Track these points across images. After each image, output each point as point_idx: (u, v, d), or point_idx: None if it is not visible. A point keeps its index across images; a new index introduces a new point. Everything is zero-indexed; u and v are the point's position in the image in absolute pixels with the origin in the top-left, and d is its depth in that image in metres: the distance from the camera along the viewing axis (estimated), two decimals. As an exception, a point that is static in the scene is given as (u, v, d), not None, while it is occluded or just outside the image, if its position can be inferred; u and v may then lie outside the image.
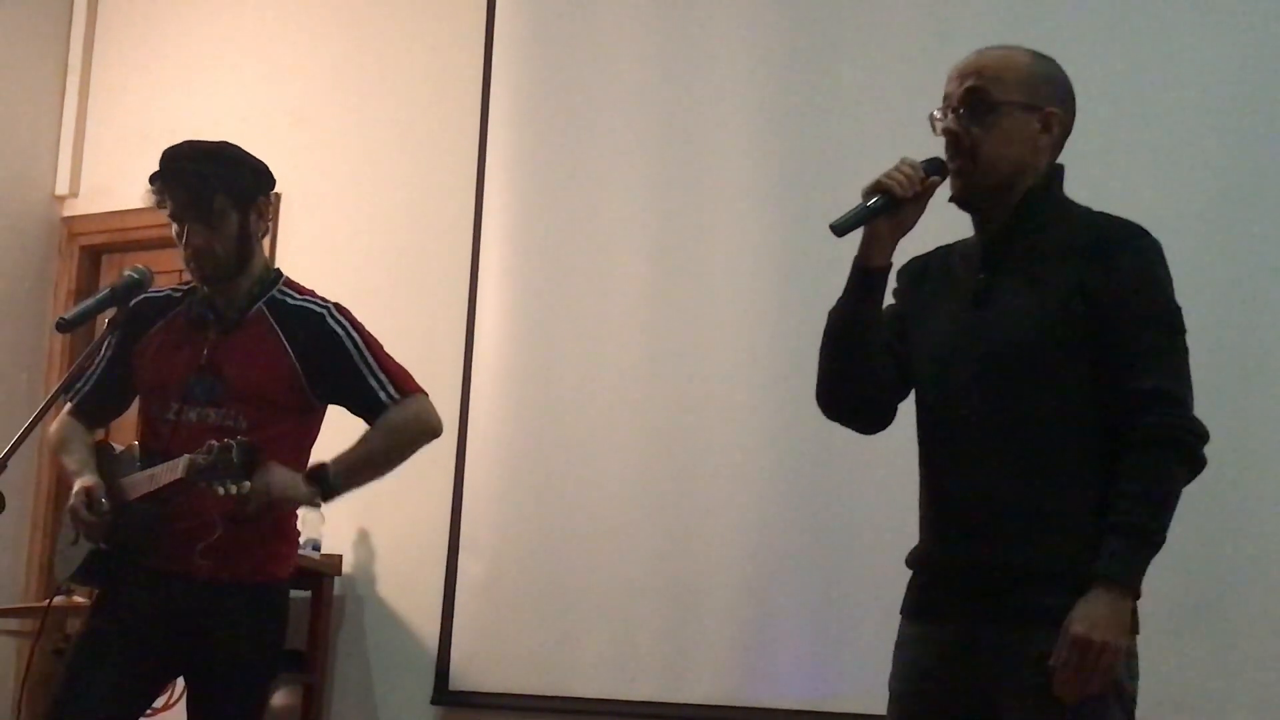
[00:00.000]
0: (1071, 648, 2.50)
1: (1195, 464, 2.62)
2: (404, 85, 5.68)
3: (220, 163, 3.50)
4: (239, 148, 3.55)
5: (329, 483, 3.39)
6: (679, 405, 4.88)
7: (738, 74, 4.96)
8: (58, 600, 4.48)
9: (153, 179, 3.48)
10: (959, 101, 2.72)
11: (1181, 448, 2.59)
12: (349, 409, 3.54)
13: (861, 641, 4.42)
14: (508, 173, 5.31)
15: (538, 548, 5.02)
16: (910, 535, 4.47)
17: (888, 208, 2.66)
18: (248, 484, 3.14)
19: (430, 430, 3.54)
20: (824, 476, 4.58)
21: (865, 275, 2.72)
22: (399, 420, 3.48)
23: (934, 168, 2.71)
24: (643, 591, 4.81)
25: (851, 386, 2.79)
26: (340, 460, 3.43)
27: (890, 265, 2.73)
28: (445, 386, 5.19)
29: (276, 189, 3.67)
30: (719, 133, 4.95)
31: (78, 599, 4.63)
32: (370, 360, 3.49)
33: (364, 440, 3.48)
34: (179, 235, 3.47)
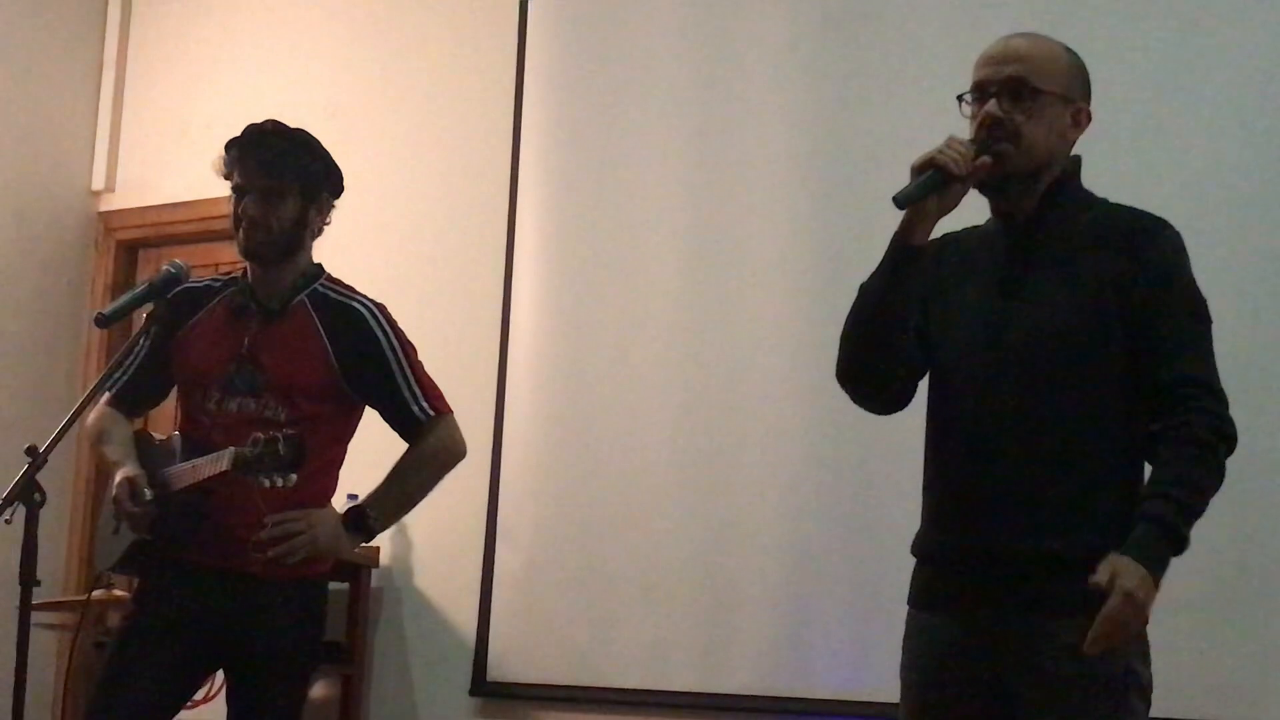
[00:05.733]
0: (1124, 601, 2.48)
1: (1223, 467, 2.65)
2: (438, 80, 5.68)
3: (300, 147, 3.54)
4: (320, 144, 3.59)
5: (371, 530, 3.48)
6: (714, 396, 4.87)
7: (771, 70, 4.94)
8: (98, 594, 4.52)
9: (229, 146, 3.51)
10: (1001, 87, 2.71)
11: (1219, 449, 2.62)
12: (380, 413, 3.57)
13: (898, 632, 4.39)
14: (542, 165, 5.31)
15: (575, 538, 5.02)
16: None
17: (943, 184, 2.64)
18: (294, 476, 3.16)
19: (458, 456, 3.60)
20: (860, 467, 4.56)
21: (904, 252, 2.69)
22: (430, 451, 3.53)
23: (982, 149, 2.68)
24: (680, 582, 4.81)
25: (878, 363, 2.77)
26: (378, 503, 3.49)
27: (928, 244, 2.71)
28: (481, 378, 5.22)
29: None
30: (752, 129, 4.93)
31: (118, 592, 4.66)
32: (407, 370, 3.52)
33: (398, 477, 3.52)
34: (236, 206, 3.49)
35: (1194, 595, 3.99)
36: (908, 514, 4.38)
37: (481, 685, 5.13)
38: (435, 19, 5.75)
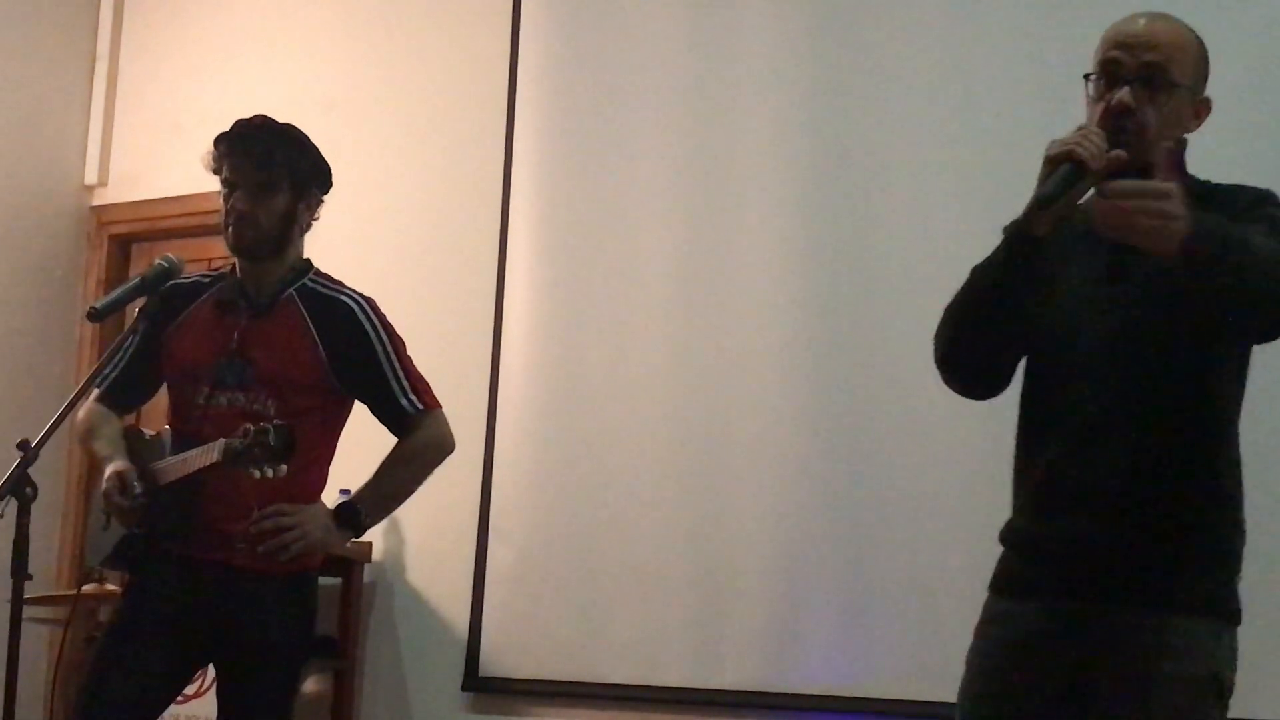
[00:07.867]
0: (1159, 189, 2.35)
1: None
2: (433, 75, 5.67)
3: (288, 142, 3.55)
4: (309, 139, 3.59)
5: (361, 525, 3.50)
6: (707, 391, 4.87)
7: (766, 70, 4.92)
8: (89, 588, 4.52)
9: (217, 141, 3.51)
10: (1136, 74, 2.57)
11: None
12: (368, 406, 3.57)
13: (891, 626, 4.41)
14: (536, 161, 5.30)
15: (567, 534, 5.02)
16: (941, 519, 4.46)
17: (1080, 178, 2.49)
18: (284, 467, 3.17)
19: (447, 450, 3.61)
20: (853, 462, 4.56)
21: (1027, 243, 2.55)
22: (419, 447, 3.55)
23: (1114, 140, 2.52)
24: (672, 577, 4.81)
25: (986, 349, 2.66)
26: (367, 499, 3.51)
27: (1048, 235, 2.56)
28: (474, 373, 5.22)
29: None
30: (747, 128, 4.92)
31: (109, 587, 4.65)
32: (395, 363, 3.52)
33: (387, 472, 3.53)
34: (226, 201, 3.49)
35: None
36: (901, 508, 4.43)
37: (474, 680, 5.12)
38: (429, 14, 5.74)
